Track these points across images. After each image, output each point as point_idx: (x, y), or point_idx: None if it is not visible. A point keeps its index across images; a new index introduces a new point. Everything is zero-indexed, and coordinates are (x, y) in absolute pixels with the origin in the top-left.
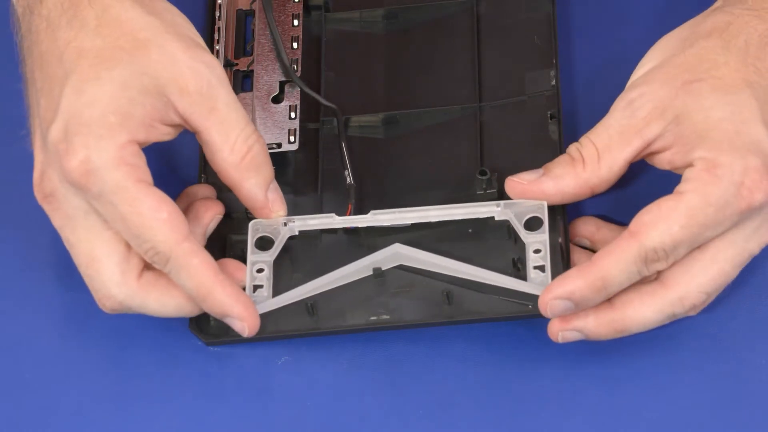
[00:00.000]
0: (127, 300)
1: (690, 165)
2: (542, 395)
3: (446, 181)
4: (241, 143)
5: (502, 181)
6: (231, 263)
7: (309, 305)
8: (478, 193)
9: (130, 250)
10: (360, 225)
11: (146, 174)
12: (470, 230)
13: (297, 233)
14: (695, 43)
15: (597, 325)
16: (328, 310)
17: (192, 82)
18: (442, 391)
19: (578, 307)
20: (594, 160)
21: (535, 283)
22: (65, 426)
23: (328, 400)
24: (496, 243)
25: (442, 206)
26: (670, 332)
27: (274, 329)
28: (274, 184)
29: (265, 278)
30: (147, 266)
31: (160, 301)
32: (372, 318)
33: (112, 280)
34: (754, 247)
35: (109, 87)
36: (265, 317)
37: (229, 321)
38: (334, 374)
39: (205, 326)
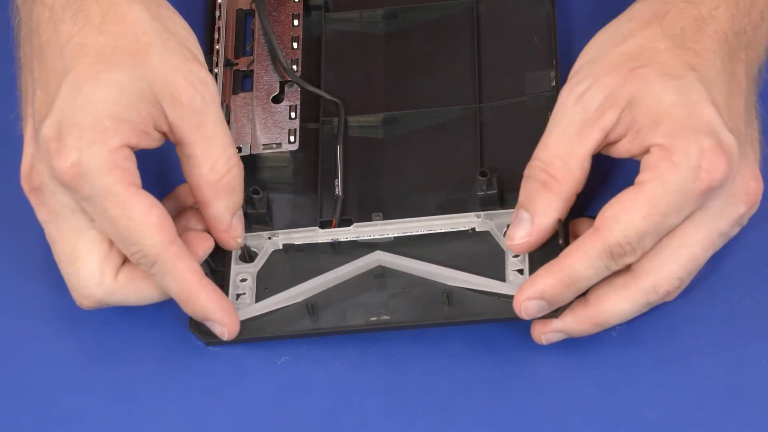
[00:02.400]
0: (106, 297)
1: (646, 152)
2: (542, 395)
3: (446, 181)
4: (223, 164)
5: (502, 182)
6: (196, 235)
7: (309, 306)
8: (479, 194)
9: (110, 249)
10: (342, 238)
11: (136, 177)
12: (473, 227)
13: (281, 246)
14: (635, 33)
15: (576, 323)
16: (329, 310)
17: (185, 93)
18: (442, 391)
19: (552, 305)
20: (564, 171)
21: (514, 284)
22: (64, 427)
23: (328, 400)
24: (495, 243)
25: (423, 218)
26: (670, 332)
27: (275, 330)
28: (240, 212)
29: (248, 287)
30: (124, 263)
31: (138, 294)
32: (372, 319)
33: (90, 279)
34: (722, 226)
35: (106, 90)
36: (265, 318)
37: (209, 324)
38: (334, 374)
39: (205, 326)
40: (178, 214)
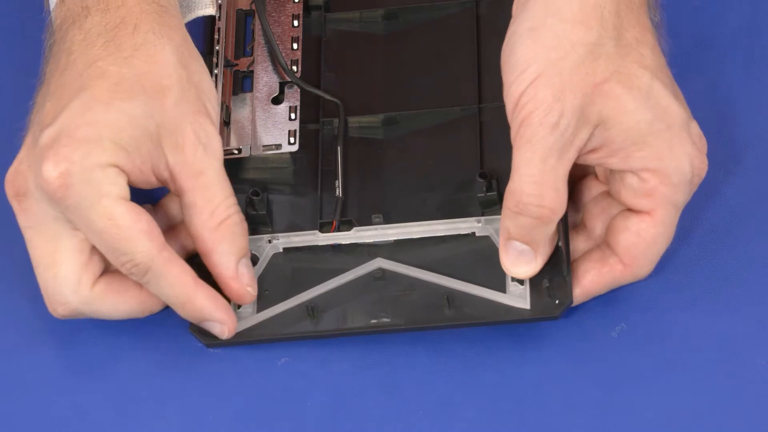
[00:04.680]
0: (81, 306)
1: (630, 171)
2: (542, 396)
3: (446, 182)
4: (223, 210)
5: (502, 182)
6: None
7: (309, 308)
8: (479, 195)
9: (90, 259)
10: (343, 242)
11: (125, 191)
12: (474, 232)
13: (281, 250)
14: (581, 40)
15: None
16: (329, 313)
17: (189, 143)
18: (442, 393)
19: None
20: (558, 201)
21: (514, 295)
22: (65, 427)
23: (328, 402)
24: (495, 247)
25: (424, 222)
26: (670, 332)
27: (275, 332)
28: (247, 261)
29: None
30: (102, 274)
31: (112, 307)
32: (373, 321)
33: (67, 286)
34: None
35: (115, 116)
36: (265, 320)
37: (208, 325)
38: (334, 375)
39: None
40: (170, 230)
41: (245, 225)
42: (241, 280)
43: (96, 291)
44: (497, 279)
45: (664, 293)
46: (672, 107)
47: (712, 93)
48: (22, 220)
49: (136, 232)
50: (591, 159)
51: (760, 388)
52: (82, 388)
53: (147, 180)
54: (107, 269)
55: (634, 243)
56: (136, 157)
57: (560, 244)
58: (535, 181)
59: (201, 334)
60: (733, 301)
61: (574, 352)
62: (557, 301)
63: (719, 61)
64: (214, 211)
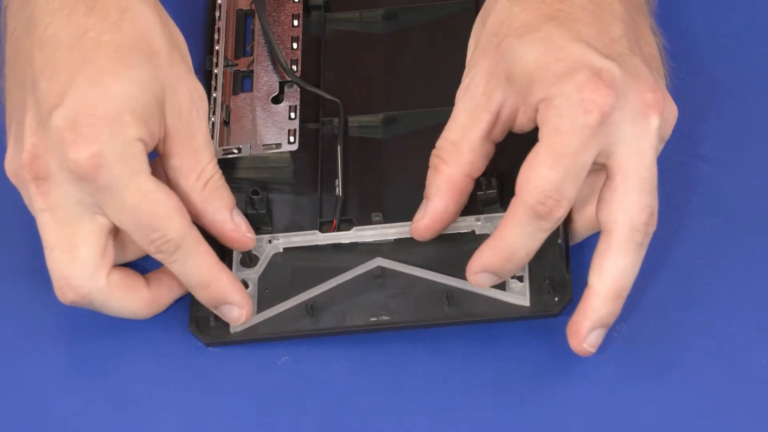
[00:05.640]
0: (92, 294)
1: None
2: (542, 395)
3: None
4: (209, 171)
5: (501, 181)
6: None
7: (309, 306)
8: (478, 193)
9: (107, 245)
10: (343, 241)
11: (149, 165)
12: (473, 230)
13: (281, 250)
14: (491, 9)
15: (604, 306)
16: (328, 311)
17: (185, 105)
18: (442, 391)
19: (502, 277)
20: (452, 152)
21: (514, 292)
22: (65, 427)
23: (328, 401)
24: None
25: None
26: (670, 332)
27: (275, 330)
28: (237, 210)
29: (250, 294)
30: (115, 267)
31: (121, 302)
32: (372, 319)
33: (84, 270)
34: (650, 141)
35: (127, 85)
36: (266, 319)
37: (225, 309)
38: (334, 374)
39: (205, 327)
40: None
41: (224, 178)
42: (240, 228)
43: (110, 281)
44: None
45: (664, 293)
46: (569, 46)
47: (712, 92)
48: (39, 203)
49: (170, 208)
50: (524, 124)
51: (760, 388)
52: (83, 387)
53: (155, 143)
54: (117, 265)
55: (520, 171)
56: (150, 125)
57: (560, 242)
58: (441, 136)
59: (201, 333)
60: (733, 301)
61: (574, 351)
62: (557, 299)
63: (720, 60)
64: (200, 174)
